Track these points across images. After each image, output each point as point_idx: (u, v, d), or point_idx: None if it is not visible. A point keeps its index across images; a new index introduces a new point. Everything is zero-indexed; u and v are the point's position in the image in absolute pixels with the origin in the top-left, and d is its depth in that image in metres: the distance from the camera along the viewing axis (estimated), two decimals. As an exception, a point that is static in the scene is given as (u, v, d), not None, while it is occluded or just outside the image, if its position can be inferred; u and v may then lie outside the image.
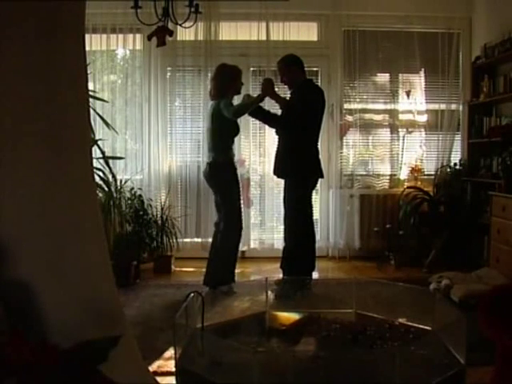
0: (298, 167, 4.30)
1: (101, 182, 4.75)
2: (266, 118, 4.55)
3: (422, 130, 5.93)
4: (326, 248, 5.85)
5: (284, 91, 4.76)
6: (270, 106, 4.75)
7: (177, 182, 5.76)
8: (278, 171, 4.48)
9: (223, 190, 4.31)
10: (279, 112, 4.57)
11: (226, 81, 4.29)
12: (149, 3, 4.19)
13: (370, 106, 5.91)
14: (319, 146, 4.46)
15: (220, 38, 5.66)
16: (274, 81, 4.43)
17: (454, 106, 5.89)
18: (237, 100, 4.44)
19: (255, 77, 5.76)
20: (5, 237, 1.70)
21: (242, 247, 5.73)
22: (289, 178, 4.42)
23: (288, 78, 4.39)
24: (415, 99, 5.87)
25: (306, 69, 4.47)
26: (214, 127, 4.29)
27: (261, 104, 4.46)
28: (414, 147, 5.95)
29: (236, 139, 4.47)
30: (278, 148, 4.47)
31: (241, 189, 4.42)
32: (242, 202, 4.41)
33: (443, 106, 5.87)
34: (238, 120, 4.37)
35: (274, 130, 4.66)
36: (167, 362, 2.91)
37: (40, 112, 1.74)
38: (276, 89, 4.40)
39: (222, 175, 4.27)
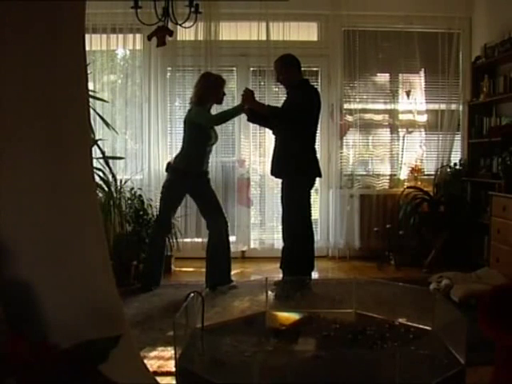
0: (295, 167, 4.30)
1: (101, 182, 4.74)
2: (265, 120, 4.55)
3: (422, 130, 5.93)
4: (326, 248, 5.85)
5: (282, 91, 4.76)
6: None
7: (177, 182, 5.76)
8: (275, 171, 4.48)
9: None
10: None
11: (207, 88, 4.31)
12: (149, 3, 4.20)
13: (370, 106, 5.91)
14: (318, 146, 4.47)
15: (220, 38, 5.66)
16: (274, 80, 4.43)
17: (453, 106, 5.89)
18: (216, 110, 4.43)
19: (255, 77, 5.76)
20: (5, 237, 1.69)
21: (242, 247, 5.76)
22: (286, 177, 4.42)
23: (284, 77, 4.39)
24: (415, 99, 5.87)
25: (305, 69, 4.48)
26: (185, 134, 4.35)
27: None
28: (414, 147, 5.95)
29: (236, 139, 4.46)
30: (274, 148, 4.48)
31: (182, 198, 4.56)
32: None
33: (443, 106, 5.87)
34: (237, 121, 4.36)
35: (271, 131, 4.66)
36: (167, 362, 2.91)
37: (40, 112, 1.74)
38: (275, 89, 4.41)
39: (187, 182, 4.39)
